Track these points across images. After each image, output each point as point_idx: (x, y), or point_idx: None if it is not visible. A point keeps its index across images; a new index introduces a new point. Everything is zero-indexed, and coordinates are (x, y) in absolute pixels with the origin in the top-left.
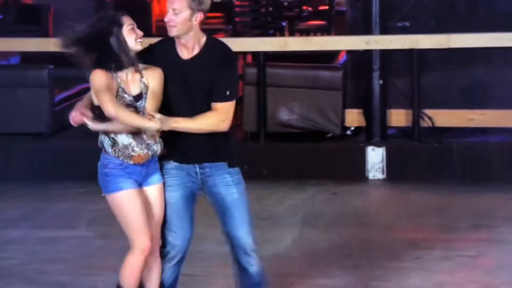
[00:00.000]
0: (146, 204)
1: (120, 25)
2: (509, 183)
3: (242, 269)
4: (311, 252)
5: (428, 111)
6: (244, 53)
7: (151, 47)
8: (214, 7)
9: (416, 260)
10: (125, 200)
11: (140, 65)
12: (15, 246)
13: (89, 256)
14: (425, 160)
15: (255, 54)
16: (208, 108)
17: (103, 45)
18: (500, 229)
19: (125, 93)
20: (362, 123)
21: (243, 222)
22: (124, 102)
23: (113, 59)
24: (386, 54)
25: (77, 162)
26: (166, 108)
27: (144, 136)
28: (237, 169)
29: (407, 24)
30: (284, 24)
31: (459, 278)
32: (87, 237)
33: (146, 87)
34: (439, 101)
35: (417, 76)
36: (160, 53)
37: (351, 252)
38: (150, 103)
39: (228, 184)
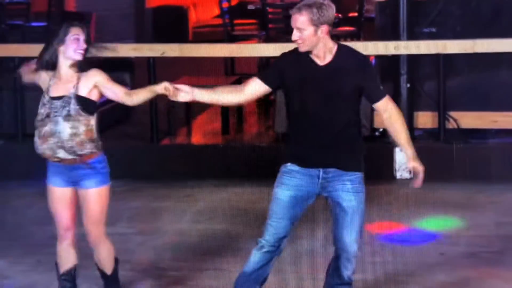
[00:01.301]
0: (81, 202)
1: (66, 33)
2: None
3: (336, 269)
4: None
5: (454, 113)
6: None
7: (285, 54)
8: (248, 14)
9: (441, 255)
10: (49, 194)
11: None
12: None
13: (129, 252)
14: (450, 160)
15: None
16: (344, 109)
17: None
18: None
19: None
20: None
21: (353, 230)
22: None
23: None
24: (413, 59)
25: (116, 163)
26: (303, 111)
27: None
28: (359, 177)
29: (434, 30)
30: None
31: (482, 273)
32: (126, 233)
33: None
34: (464, 104)
35: (443, 79)
36: (295, 59)
37: (380, 248)
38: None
39: (348, 190)
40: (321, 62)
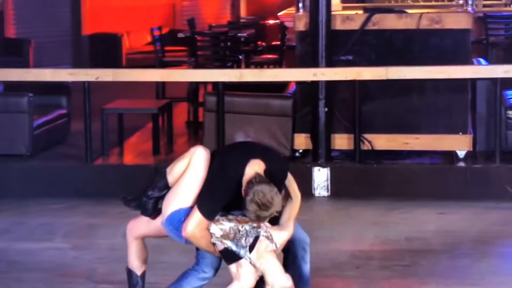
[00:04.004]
0: None
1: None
2: (438, 200)
3: (298, 268)
4: None
5: (368, 136)
6: (205, 83)
7: None
8: (178, 42)
9: (356, 269)
10: None
11: None
12: None
13: (65, 266)
14: (365, 179)
15: (215, 84)
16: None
17: None
18: (430, 240)
19: None
20: (309, 146)
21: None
22: None
23: None
24: (331, 85)
25: (53, 181)
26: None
27: None
28: None
29: (350, 58)
30: (241, 57)
31: (394, 285)
32: (62, 248)
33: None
34: (378, 127)
35: (359, 104)
36: None
37: None
38: None
39: None
40: None
